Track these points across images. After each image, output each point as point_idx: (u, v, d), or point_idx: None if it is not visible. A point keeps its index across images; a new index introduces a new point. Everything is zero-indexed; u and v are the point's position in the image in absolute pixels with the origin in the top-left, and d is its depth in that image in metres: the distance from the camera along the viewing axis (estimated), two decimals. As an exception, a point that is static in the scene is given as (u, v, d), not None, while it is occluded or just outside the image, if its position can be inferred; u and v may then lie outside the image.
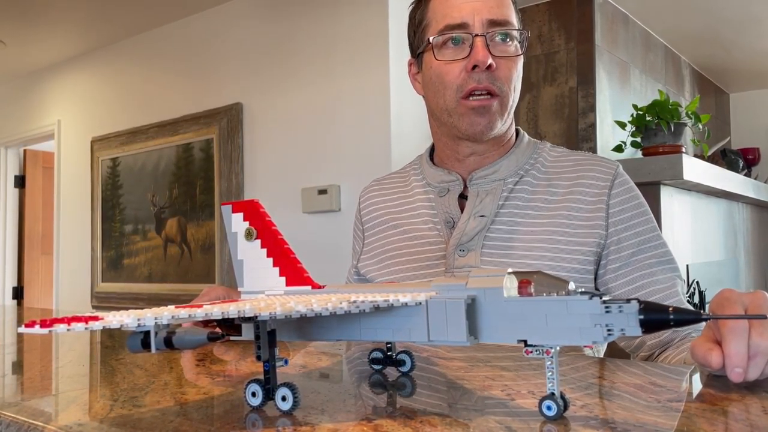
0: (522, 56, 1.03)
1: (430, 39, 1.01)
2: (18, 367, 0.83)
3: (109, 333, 1.10)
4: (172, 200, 3.59)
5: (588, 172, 1.02)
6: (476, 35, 0.97)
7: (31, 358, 0.91)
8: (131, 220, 3.83)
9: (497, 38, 0.99)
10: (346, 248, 2.75)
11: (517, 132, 1.10)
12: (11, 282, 4.92)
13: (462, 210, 1.03)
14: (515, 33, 1.00)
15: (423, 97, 1.11)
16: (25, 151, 5.03)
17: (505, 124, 1.04)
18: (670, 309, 0.44)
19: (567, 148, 1.12)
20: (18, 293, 4.95)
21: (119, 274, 3.89)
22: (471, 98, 0.99)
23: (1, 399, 0.62)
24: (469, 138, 1.03)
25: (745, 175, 4.03)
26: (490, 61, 0.96)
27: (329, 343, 0.90)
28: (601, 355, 1.06)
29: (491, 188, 1.03)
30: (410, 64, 1.12)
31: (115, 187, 3.93)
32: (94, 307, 4.00)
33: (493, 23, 0.98)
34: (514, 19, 1.02)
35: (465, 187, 1.06)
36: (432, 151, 1.16)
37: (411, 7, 1.09)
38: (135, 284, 3.79)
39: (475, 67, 0.97)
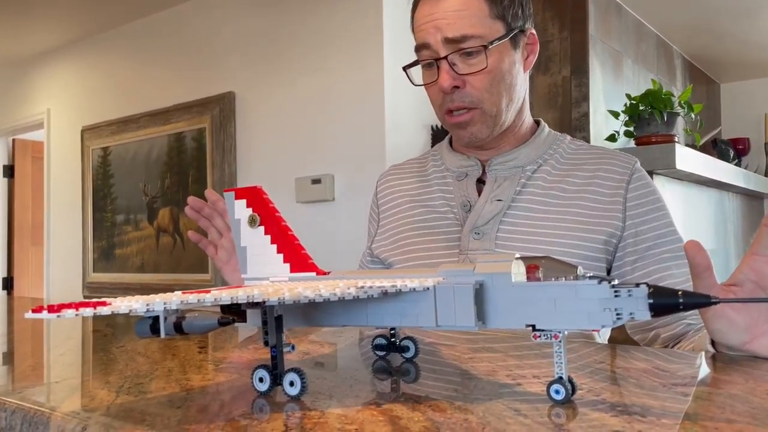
0: (496, 63, 0.97)
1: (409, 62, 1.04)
2: (17, 355, 0.83)
3: (107, 322, 1.09)
4: (165, 190, 3.57)
5: (606, 165, 1.03)
6: (439, 59, 0.97)
7: (27, 347, 0.91)
8: (123, 210, 3.80)
9: (460, 56, 0.97)
10: (340, 238, 2.77)
11: (538, 123, 1.12)
12: (0, 272, 4.88)
13: (480, 194, 1.04)
14: (476, 47, 0.95)
15: None
16: (14, 140, 4.98)
17: (497, 125, 1.02)
18: (680, 293, 0.45)
19: None
20: (8, 284, 4.92)
21: (111, 265, 3.87)
22: (453, 113, 1.02)
23: (5, 386, 0.62)
24: (464, 146, 1.08)
25: (735, 164, 4.05)
26: (452, 84, 0.97)
27: (333, 329, 0.90)
28: (604, 341, 1.07)
29: (509, 174, 1.04)
30: None
31: (107, 176, 3.90)
32: (85, 297, 3.98)
33: (450, 41, 0.96)
34: (476, 27, 0.95)
35: (484, 172, 1.07)
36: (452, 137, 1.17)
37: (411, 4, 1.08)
38: (127, 274, 3.77)
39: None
